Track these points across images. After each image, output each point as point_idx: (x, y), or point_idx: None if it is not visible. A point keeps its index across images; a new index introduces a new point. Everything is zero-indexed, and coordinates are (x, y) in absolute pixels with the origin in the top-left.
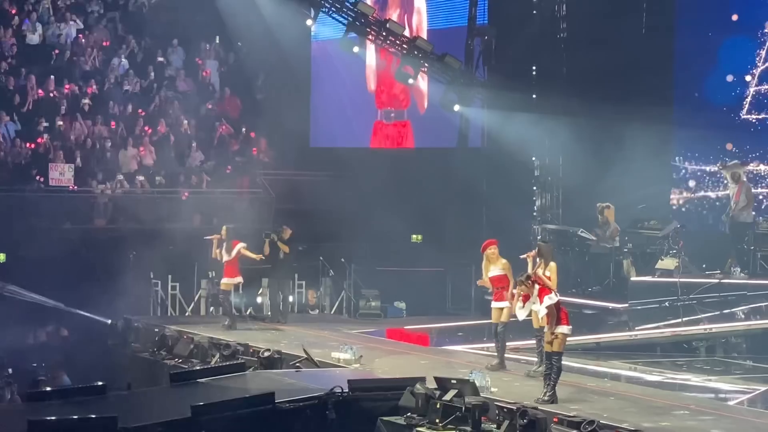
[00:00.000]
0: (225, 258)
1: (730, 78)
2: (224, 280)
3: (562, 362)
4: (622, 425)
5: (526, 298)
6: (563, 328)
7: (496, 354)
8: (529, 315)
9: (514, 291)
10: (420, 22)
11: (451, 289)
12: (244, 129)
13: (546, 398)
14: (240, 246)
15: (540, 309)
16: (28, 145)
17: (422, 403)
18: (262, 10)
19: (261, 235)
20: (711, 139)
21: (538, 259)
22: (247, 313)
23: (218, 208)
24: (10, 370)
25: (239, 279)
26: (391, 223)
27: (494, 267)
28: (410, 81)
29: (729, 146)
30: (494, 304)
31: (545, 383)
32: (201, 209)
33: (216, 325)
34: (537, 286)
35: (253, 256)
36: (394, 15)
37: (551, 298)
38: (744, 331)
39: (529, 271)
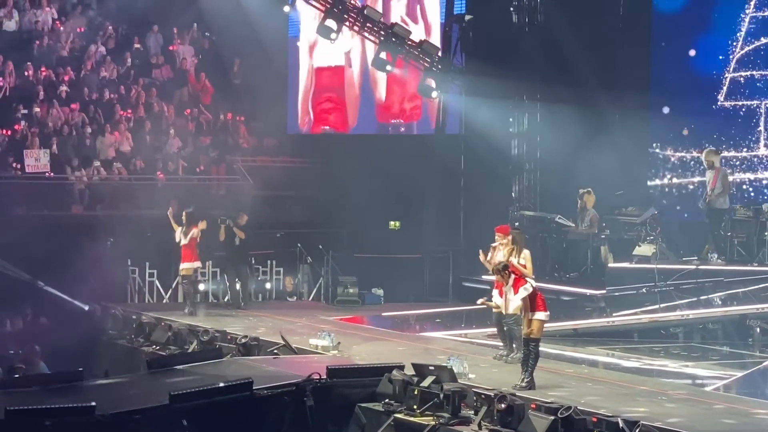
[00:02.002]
0: (183, 242)
1: (706, 64)
2: (182, 265)
3: (540, 348)
4: (599, 411)
5: (500, 287)
6: (540, 315)
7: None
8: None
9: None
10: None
11: (429, 276)
12: (221, 115)
13: (524, 384)
14: (195, 230)
15: (514, 299)
16: (4, 132)
17: (400, 390)
18: None
19: (225, 222)
20: (688, 126)
21: (512, 247)
22: (225, 300)
23: (195, 195)
24: None
25: (197, 264)
26: (369, 209)
27: (501, 254)
28: (434, 95)
29: (706, 132)
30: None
31: (523, 369)
32: (178, 196)
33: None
34: (513, 277)
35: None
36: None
37: (526, 289)
38: (721, 317)
39: (501, 258)
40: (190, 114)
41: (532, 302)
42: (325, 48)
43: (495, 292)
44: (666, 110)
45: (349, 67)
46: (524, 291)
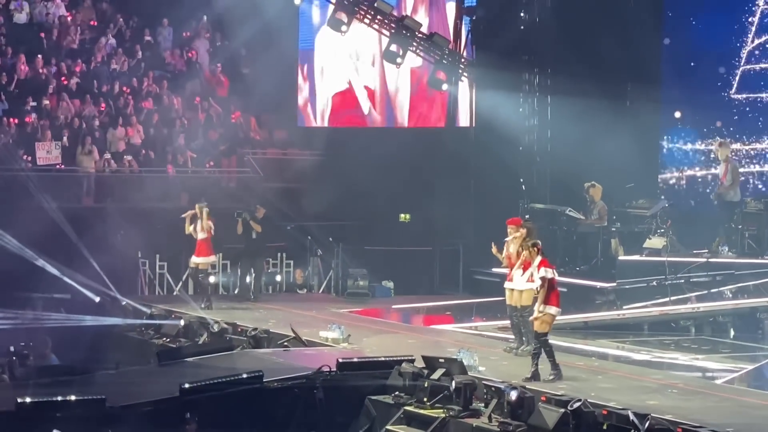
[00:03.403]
0: (200, 236)
1: (719, 57)
2: (198, 259)
3: (550, 341)
4: (609, 404)
5: (527, 266)
6: (552, 309)
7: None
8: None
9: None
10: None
11: (439, 269)
12: (232, 108)
13: (551, 377)
14: (211, 224)
15: (537, 280)
16: (13, 121)
17: (410, 382)
18: None
19: (242, 215)
20: (699, 119)
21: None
22: (236, 292)
23: (206, 188)
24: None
25: (213, 258)
26: (380, 202)
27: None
28: (444, 87)
29: (718, 125)
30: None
31: (533, 362)
32: (188, 188)
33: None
34: (540, 257)
35: (201, 227)
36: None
37: (549, 271)
38: (732, 310)
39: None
40: (200, 106)
41: (550, 293)
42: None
43: (519, 271)
44: (677, 115)
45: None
46: (546, 272)
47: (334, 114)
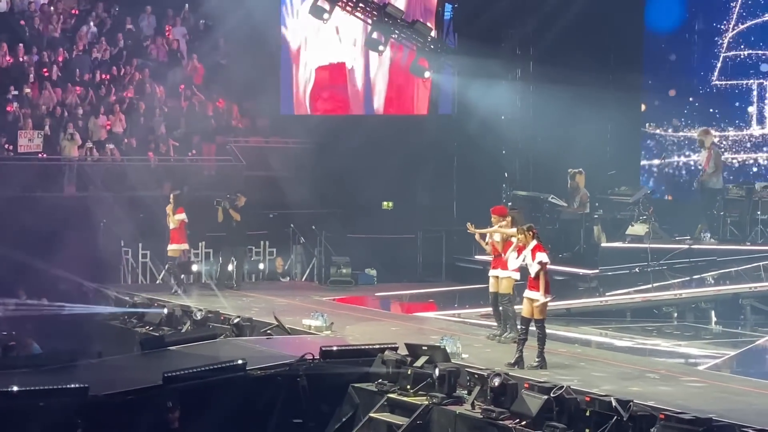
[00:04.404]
0: (171, 225)
1: (700, 44)
2: (170, 247)
3: (534, 328)
4: (592, 390)
5: (521, 250)
6: (540, 296)
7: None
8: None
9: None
10: None
11: (422, 256)
12: (214, 96)
13: (535, 364)
14: (181, 215)
15: (533, 265)
16: None
17: (393, 370)
18: None
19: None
20: (681, 105)
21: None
22: (215, 280)
23: (188, 176)
24: None
25: (185, 245)
26: (362, 190)
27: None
28: (426, 75)
29: (699, 112)
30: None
31: (518, 348)
32: (171, 177)
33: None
34: (535, 241)
35: (173, 219)
36: None
37: (544, 256)
38: (714, 297)
39: (498, 239)
40: (183, 95)
41: (544, 279)
42: (325, 45)
43: (513, 254)
44: (672, 93)
45: (350, 65)
46: (541, 257)
47: (317, 88)
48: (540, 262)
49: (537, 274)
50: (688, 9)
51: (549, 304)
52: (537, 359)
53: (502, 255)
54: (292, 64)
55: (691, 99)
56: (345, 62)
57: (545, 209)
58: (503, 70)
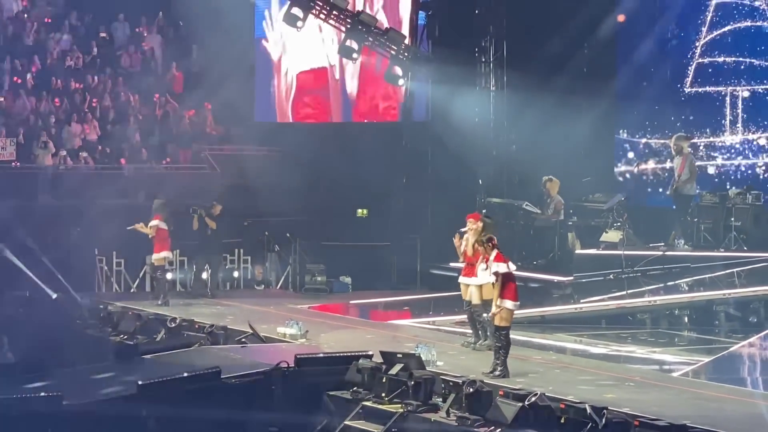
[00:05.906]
0: (151, 234)
1: (673, 51)
2: (154, 256)
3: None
4: (567, 397)
5: (487, 260)
6: (508, 303)
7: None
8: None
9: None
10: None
11: (396, 264)
12: (189, 104)
13: (497, 373)
14: (155, 222)
15: (490, 272)
16: None
17: (368, 378)
18: None
19: (197, 211)
20: (654, 112)
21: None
22: (190, 288)
23: (162, 184)
24: None
25: (165, 253)
26: (337, 197)
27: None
28: (400, 82)
29: (673, 119)
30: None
31: (495, 357)
32: (145, 185)
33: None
34: (495, 252)
35: (145, 230)
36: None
37: (501, 266)
38: (688, 303)
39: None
40: (157, 103)
41: (505, 288)
42: (307, 49)
43: (482, 265)
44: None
45: (331, 68)
46: (498, 267)
47: (299, 93)
48: (494, 273)
49: (498, 283)
50: (662, 16)
51: (516, 312)
52: (500, 368)
53: (476, 264)
54: (274, 73)
55: (661, 106)
56: (326, 67)
57: (519, 216)
58: (477, 76)
